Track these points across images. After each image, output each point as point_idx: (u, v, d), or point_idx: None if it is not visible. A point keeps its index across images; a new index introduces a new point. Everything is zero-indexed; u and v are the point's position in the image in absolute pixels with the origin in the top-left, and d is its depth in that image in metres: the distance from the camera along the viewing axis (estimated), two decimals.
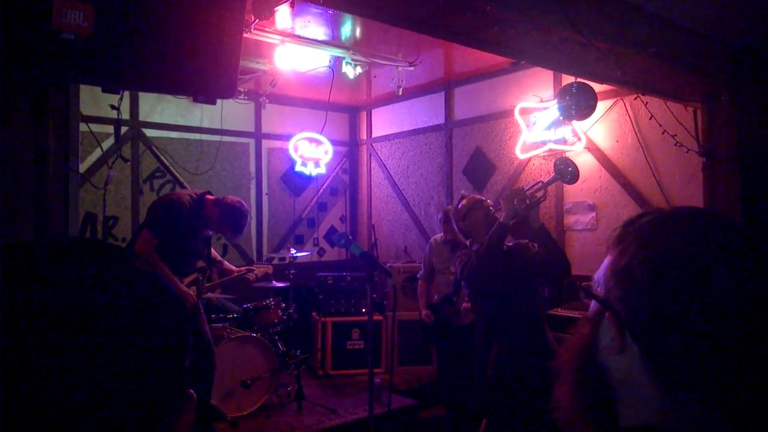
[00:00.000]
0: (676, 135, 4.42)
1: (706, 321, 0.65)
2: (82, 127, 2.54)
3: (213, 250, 4.45)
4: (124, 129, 5.69)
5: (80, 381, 0.50)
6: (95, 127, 3.62)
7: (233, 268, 4.53)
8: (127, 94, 5.69)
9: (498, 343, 3.21)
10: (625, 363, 0.72)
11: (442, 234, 4.81)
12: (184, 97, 5.80)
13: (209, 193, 3.99)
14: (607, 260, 0.77)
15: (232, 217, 3.89)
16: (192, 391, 0.62)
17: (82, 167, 5.07)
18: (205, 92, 1.90)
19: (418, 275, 5.10)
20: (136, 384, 0.53)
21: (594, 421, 0.78)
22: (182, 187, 6.04)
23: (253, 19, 3.61)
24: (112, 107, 2.30)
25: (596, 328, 0.77)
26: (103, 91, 1.93)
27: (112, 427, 0.52)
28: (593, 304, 0.79)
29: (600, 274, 0.78)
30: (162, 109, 5.99)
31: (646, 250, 0.71)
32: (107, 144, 5.20)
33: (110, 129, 5.01)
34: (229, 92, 1.93)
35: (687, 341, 0.66)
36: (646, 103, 4.56)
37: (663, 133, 4.49)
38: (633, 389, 0.72)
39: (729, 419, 0.66)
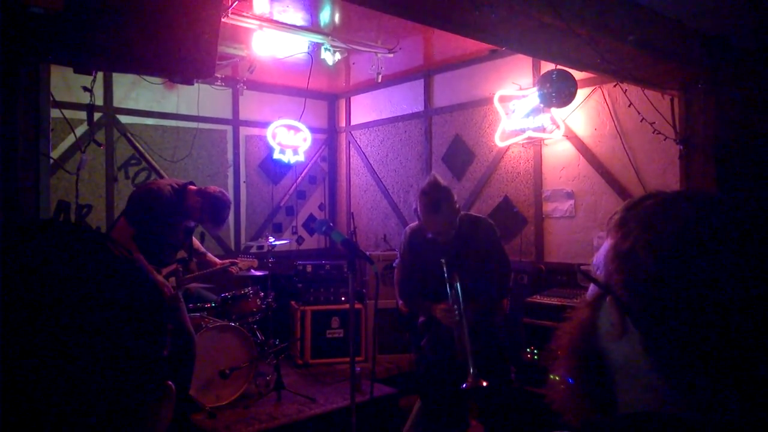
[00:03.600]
0: (653, 123, 4.46)
1: (711, 306, 0.64)
2: (55, 113, 2.46)
3: (196, 241, 4.39)
4: (97, 115, 5.55)
5: (52, 370, 0.48)
6: (68, 114, 3.52)
7: (216, 260, 4.48)
8: (100, 80, 5.56)
9: (435, 324, 3.24)
10: (626, 348, 0.71)
11: (417, 222, 4.79)
12: (160, 82, 5.69)
13: (192, 183, 3.92)
14: (607, 244, 0.76)
15: (212, 208, 3.83)
16: (171, 382, 0.60)
17: (55, 154, 4.95)
18: (182, 72, 1.84)
19: (394, 264, 5.09)
20: (110, 373, 0.51)
21: (591, 407, 0.76)
22: (158, 174, 5.94)
23: (231, 2, 3.55)
24: (85, 89, 2.22)
25: (596, 312, 0.75)
26: (75, 71, 1.86)
27: (88, 418, 0.50)
28: (592, 289, 0.77)
29: (600, 258, 0.76)
30: (137, 95, 5.87)
31: (650, 233, 0.69)
32: (80, 130, 5.08)
33: (83, 115, 4.90)
34: (207, 72, 1.87)
35: (691, 327, 0.64)
36: (625, 90, 4.59)
37: (641, 121, 4.53)
38: (633, 375, 0.71)
39: (733, 405, 0.65)
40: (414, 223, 3.48)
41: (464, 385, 2.85)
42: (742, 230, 0.67)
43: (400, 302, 4.87)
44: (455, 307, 2.97)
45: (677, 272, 0.65)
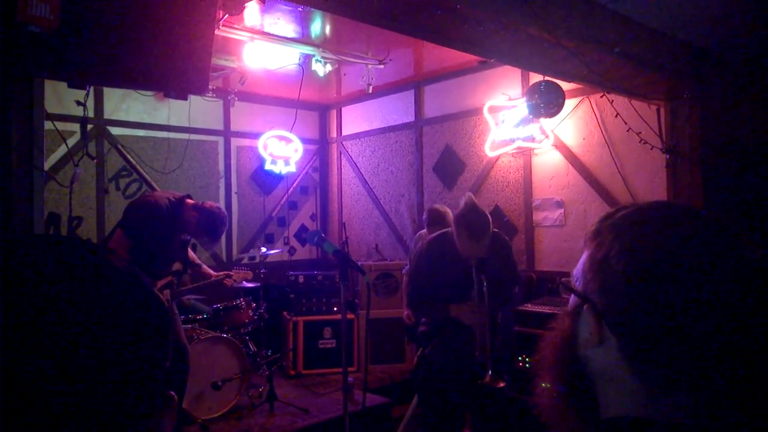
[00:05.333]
0: (640, 132, 4.52)
1: (682, 311, 0.66)
2: (47, 125, 2.46)
3: (192, 253, 4.39)
4: (88, 127, 5.55)
5: (59, 382, 0.49)
6: (58, 125, 3.53)
7: (211, 272, 4.48)
8: (91, 91, 5.55)
9: (440, 333, 3.25)
10: (604, 355, 0.73)
11: (426, 230, 4.80)
12: (151, 94, 5.70)
13: (189, 196, 3.93)
14: (584, 255, 0.78)
15: (209, 224, 3.83)
16: (172, 392, 0.61)
17: (46, 166, 4.93)
18: (176, 87, 1.86)
19: (403, 270, 5.09)
20: (115, 385, 0.52)
21: (575, 414, 0.78)
22: (149, 186, 5.94)
23: (222, 15, 3.57)
24: (78, 103, 2.24)
25: (576, 321, 0.78)
26: (69, 86, 1.87)
27: (95, 428, 0.51)
28: (573, 298, 0.80)
29: (578, 268, 0.79)
30: (128, 107, 5.87)
31: (622, 242, 0.72)
32: (71, 142, 5.08)
33: (73, 127, 4.91)
34: (201, 88, 1.89)
35: (664, 331, 0.67)
36: (612, 101, 4.65)
37: (628, 130, 4.59)
38: (613, 381, 0.73)
39: (708, 408, 0.67)
40: (432, 236, 3.50)
41: (482, 382, 2.89)
42: (711, 239, 0.70)
43: (406, 312, 4.88)
44: (482, 306, 3.01)
45: (649, 279, 0.68)
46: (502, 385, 2.90)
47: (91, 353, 0.51)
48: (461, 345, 3.16)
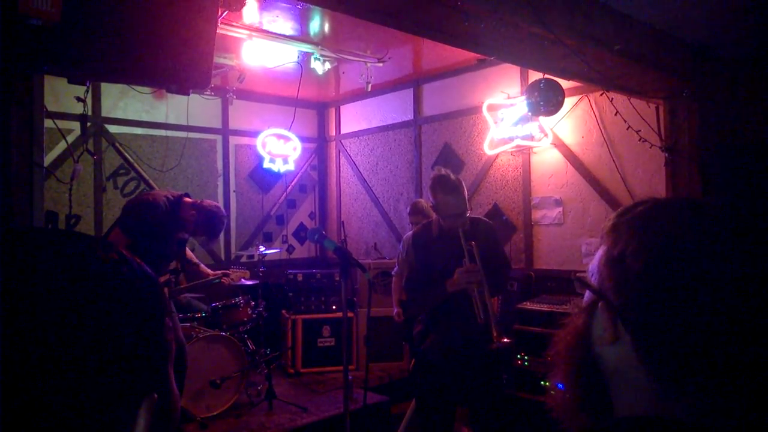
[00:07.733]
0: (640, 131, 4.52)
1: (698, 310, 0.65)
2: (45, 122, 2.46)
3: (189, 252, 4.40)
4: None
5: (61, 366, 0.49)
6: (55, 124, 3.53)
7: (209, 271, 4.50)
8: (89, 89, 5.54)
9: (435, 330, 3.24)
10: (619, 353, 0.72)
11: (418, 226, 4.82)
12: (149, 91, 5.68)
13: (187, 195, 3.94)
14: (600, 250, 0.77)
15: (208, 222, 3.86)
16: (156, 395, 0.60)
17: (44, 163, 4.92)
18: (178, 82, 1.85)
19: (392, 272, 5.10)
20: (117, 369, 0.53)
21: (588, 412, 0.77)
22: (148, 184, 5.93)
23: (221, 12, 3.56)
24: (78, 99, 2.23)
25: (590, 318, 0.76)
26: (69, 82, 1.86)
27: (96, 411, 0.51)
28: (587, 295, 0.78)
29: (594, 264, 0.78)
30: (125, 105, 5.86)
31: (639, 239, 0.71)
32: (69, 140, 5.07)
33: (71, 125, 4.89)
34: (203, 82, 1.89)
35: (679, 331, 0.66)
36: (611, 99, 4.65)
37: (627, 129, 4.59)
38: (626, 379, 0.72)
39: (723, 408, 0.66)
40: (410, 232, 3.51)
41: (492, 345, 2.87)
42: (730, 235, 0.68)
43: (396, 311, 4.88)
44: (473, 266, 3.00)
45: (665, 277, 0.67)
46: (507, 341, 2.91)
47: (88, 336, 0.51)
48: (457, 339, 3.15)
